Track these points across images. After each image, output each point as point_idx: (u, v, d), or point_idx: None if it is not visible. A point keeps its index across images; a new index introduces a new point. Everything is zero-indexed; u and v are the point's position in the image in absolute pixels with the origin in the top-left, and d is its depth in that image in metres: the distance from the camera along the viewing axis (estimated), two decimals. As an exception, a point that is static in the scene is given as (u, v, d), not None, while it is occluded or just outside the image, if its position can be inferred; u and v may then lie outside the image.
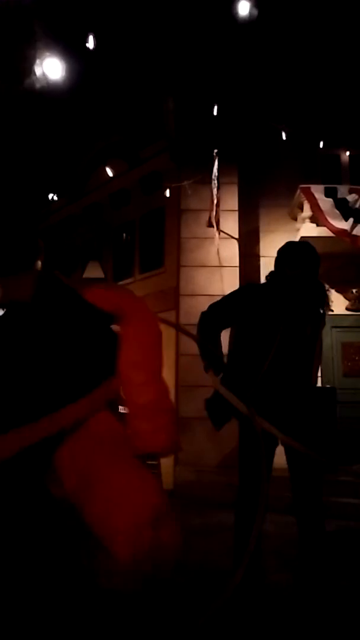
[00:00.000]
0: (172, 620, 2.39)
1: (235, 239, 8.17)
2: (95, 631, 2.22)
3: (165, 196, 8.46)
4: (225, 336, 2.76)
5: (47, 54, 5.53)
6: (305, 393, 2.59)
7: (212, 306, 2.73)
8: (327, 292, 2.84)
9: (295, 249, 2.75)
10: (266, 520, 2.56)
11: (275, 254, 2.82)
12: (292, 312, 2.62)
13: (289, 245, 2.82)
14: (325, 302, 2.82)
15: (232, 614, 2.46)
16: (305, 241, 2.96)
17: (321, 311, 2.78)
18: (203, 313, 2.72)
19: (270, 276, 2.79)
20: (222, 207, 7.86)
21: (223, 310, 2.71)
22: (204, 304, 2.92)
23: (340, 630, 2.34)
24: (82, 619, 1.93)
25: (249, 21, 5.69)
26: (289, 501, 5.74)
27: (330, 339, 8.46)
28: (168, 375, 8.25)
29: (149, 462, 8.45)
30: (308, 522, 2.53)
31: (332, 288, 9.67)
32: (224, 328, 2.69)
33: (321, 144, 8.48)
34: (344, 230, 7.63)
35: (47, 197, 10.43)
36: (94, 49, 5.57)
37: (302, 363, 2.61)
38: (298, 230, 8.25)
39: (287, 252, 2.74)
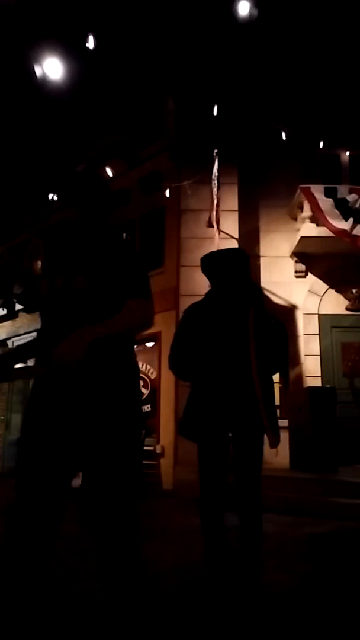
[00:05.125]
0: (172, 620, 2.39)
1: (235, 239, 8.17)
2: (95, 631, 2.22)
3: (165, 196, 8.46)
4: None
5: (47, 54, 5.53)
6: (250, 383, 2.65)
7: (173, 346, 2.81)
8: (260, 291, 2.95)
9: (210, 261, 2.90)
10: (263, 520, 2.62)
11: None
12: (228, 312, 2.73)
13: (206, 257, 2.95)
14: (260, 298, 2.90)
15: (232, 614, 2.46)
16: (226, 249, 3.04)
17: (256, 307, 2.82)
18: (169, 356, 2.81)
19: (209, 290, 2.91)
20: (222, 207, 7.86)
21: (182, 342, 2.78)
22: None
23: (340, 630, 2.34)
24: (82, 618, 1.93)
25: (249, 21, 5.68)
26: (289, 502, 5.75)
27: (330, 339, 8.46)
28: (168, 374, 8.22)
29: (149, 462, 8.43)
30: (247, 515, 2.62)
31: (332, 288, 9.76)
32: (192, 358, 2.76)
33: (321, 144, 8.49)
34: (344, 230, 7.63)
35: (47, 197, 10.42)
36: (94, 49, 5.56)
37: (246, 357, 2.68)
38: (298, 230, 8.25)
39: (205, 265, 2.90)
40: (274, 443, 2.66)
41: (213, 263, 2.89)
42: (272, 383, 2.81)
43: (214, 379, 2.66)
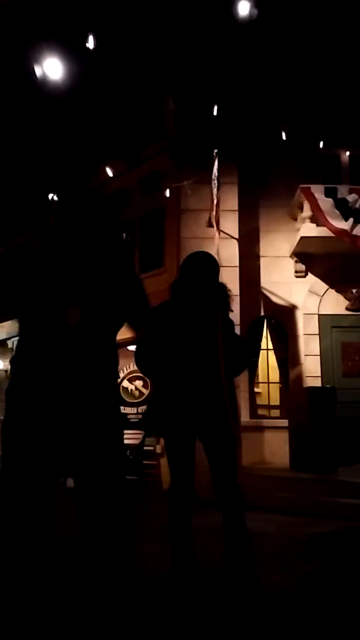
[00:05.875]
0: (170, 620, 2.39)
1: (235, 239, 8.17)
2: (94, 631, 2.22)
3: (165, 196, 8.46)
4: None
5: (47, 54, 5.52)
6: (217, 385, 2.77)
7: (141, 341, 2.88)
8: (229, 293, 3.04)
9: (197, 258, 3.01)
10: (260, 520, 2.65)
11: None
12: (198, 314, 2.84)
13: (192, 254, 3.07)
14: (228, 304, 3.00)
15: (232, 613, 2.46)
16: (206, 252, 3.16)
17: (224, 312, 2.94)
18: (135, 353, 2.87)
19: (173, 285, 3.01)
20: (222, 207, 7.85)
21: (150, 340, 2.85)
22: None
23: (339, 630, 2.34)
24: (82, 618, 1.93)
25: (249, 21, 5.68)
26: (289, 502, 5.75)
27: (330, 339, 8.47)
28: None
29: (149, 462, 8.44)
30: (229, 513, 2.71)
31: (332, 288, 9.75)
32: (160, 353, 2.85)
33: (321, 144, 8.48)
34: (344, 230, 7.63)
35: (47, 197, 10.43)
36: (94, 49, 5.56)
37: (214, 359, 2.79)
38: (298, 230, 8.25)
39: (191, 261, 3.00)
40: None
41: (197, 265, 2.94)
42: (234, 386, 2.93)
43: (182, 380, 2.75)
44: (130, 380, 9.47)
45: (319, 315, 8.51)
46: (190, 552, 2.74)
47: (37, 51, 5.54)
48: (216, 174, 7.71)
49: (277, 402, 8.56)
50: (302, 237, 8.08)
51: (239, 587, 2.63)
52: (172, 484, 2.80)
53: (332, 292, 8.58)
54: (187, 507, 2.75)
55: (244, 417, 7.65)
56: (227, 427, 2.75)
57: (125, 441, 7.96)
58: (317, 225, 7.92)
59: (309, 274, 8.62)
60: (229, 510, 2.71)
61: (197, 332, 2.80)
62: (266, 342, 8.60)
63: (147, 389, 9.16)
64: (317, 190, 7.95)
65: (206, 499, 2.90)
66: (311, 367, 8.32)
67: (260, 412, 8.45)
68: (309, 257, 8.55)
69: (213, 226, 7.71)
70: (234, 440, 2.79)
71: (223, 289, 3.01)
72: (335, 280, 8.56)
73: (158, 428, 2.83)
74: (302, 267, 8.60)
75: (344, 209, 7.74)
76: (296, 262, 8.62)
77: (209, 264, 2.95)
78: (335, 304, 8.54)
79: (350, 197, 7.84)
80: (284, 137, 7.98)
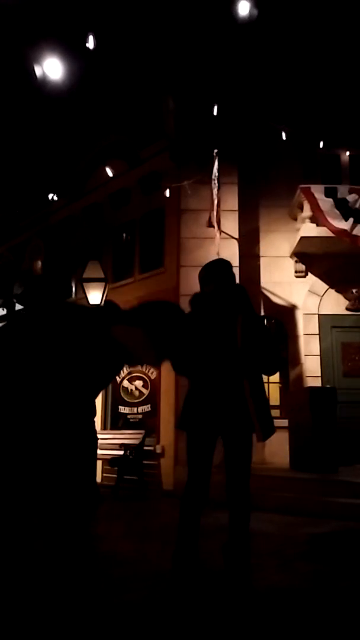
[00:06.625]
0: (170, 619, 2.39)
1: (235, 239, 8.17)
2: (95, 630, 2.22)
3: (165, 196, 8.45)
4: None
5: (47, 54, 5.52)
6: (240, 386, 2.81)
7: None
8: (247, 296, 3.06)
9: (208, 269, 3.07)
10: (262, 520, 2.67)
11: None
12: (217, 322, 2.90)
13: (205, 266, 3.12)
14: (248, 302, 3.00)
15: (232, 613, 2.46)
16: (219, 259, 3.25)
17: (244, 312, 2.94)
18: (172, 364, 2.94)
19: (193, 299, 3.06)
20: (222, 207, 7.85)
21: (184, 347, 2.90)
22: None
23: (340, 630, 2.34)
24: (82, 617, 1.94)
25: (249, 21, 5.68)
26: (289, 502, 5.74)
27: (330, 339, 8.46)
28: (168, 374, 8.23)
29: (149, 462, 8.42)
30: (236, 512, 2.77)
31: (332, 288, 9.74)
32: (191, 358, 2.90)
33: (321, 144, 8.48)
34: (344, 230, 7.64)
35: (47, 197, 10.43)
36: (94, 49, 5.56)
37: (236, 361, 2.83)
38: (298, 230, 8.25)
39: (202, 272, 3.07)
40: (260, 438, 2.82)
41: (218, 272, 3.01)
42: (262, 382, 2.95)
43: (208, 383, 2.84)
44: (130, 380, 9.47)
45: (319, 315, 8.51)
46: (194, 551, 2.78)
47: (37, 51, 5.54)
48: (216, 174, 7.71)
49: (277, 402, 8.55)
50: (302, 237, 8.08)
51: (234, 584, 2.66)
52: (188, 482, 2.85)
53: (332, 292, 8.58)
54: (199, 506, 2.81)
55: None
56: (246, 429, 2.80)
57: (125, 441, 8.03)
58: (317, 225, 7.92)
59: (309, 274, 8.63)
60: (236, 509, 2.77)
61: (218, 337, 2.87)
62: (266, 342, 8.60)
63: (147, 389, 9.16)
64: (317, 190, 7.96)
65: (209, 498, 2.91)
66: (311, 367, 8.33)
67: (261, 412, 8.44)
68: (309, 257, 8.55)
69: (213, 226, 7.72)
70: (250, 441, 2.84)
71: (241, 291, 3.03)
72: (335, 280, 8.56)
73: (186, 425, 2.89)
74: (302, 267, 8.60)
75: (344, 209, 7.75)
76: (296, 262, 8.63)
77: (224, 273, 3.01)
78: (335, 304, 8.54)
79: (350, 197, 7.84)
80: (284, 137, 7.99)
